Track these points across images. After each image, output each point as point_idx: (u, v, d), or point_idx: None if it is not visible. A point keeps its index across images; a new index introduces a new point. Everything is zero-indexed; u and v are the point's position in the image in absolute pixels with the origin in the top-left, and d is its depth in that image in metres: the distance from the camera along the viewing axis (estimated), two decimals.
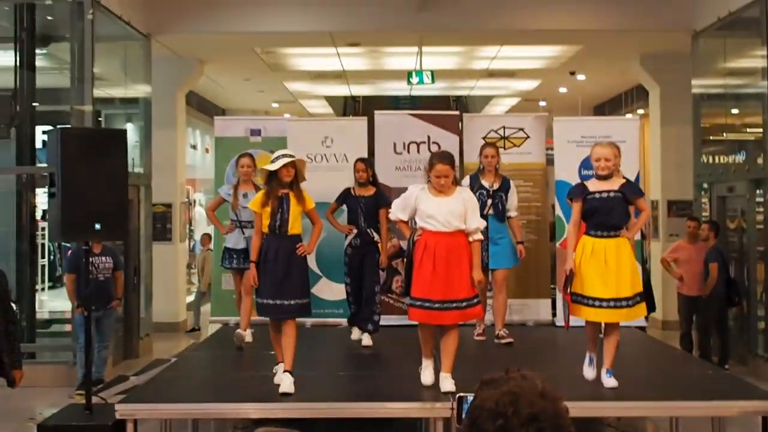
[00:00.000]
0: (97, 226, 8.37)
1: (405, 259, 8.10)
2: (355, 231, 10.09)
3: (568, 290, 7.74)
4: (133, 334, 14.37)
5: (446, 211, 7.59)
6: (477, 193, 9.34)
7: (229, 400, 7.63)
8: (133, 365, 13.19)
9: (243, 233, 10.16)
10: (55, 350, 13.45)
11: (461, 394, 2.84)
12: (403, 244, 8.94)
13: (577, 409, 7.01)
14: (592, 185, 7.88)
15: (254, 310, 8.48)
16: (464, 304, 7.53)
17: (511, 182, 10.20)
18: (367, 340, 9.91)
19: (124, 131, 9.18)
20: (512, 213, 10.11)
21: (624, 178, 7.95)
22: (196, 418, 8.42)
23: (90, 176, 8.42)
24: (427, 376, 7.78)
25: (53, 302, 18.91)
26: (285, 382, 7.73)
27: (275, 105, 24.94)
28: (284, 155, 8.12)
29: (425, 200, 7.66)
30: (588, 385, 7.74)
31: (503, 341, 9.78)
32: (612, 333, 7.79)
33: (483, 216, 8.53)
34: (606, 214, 7.72)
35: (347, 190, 10.29)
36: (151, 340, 14.94)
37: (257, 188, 9.59)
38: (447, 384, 7.52)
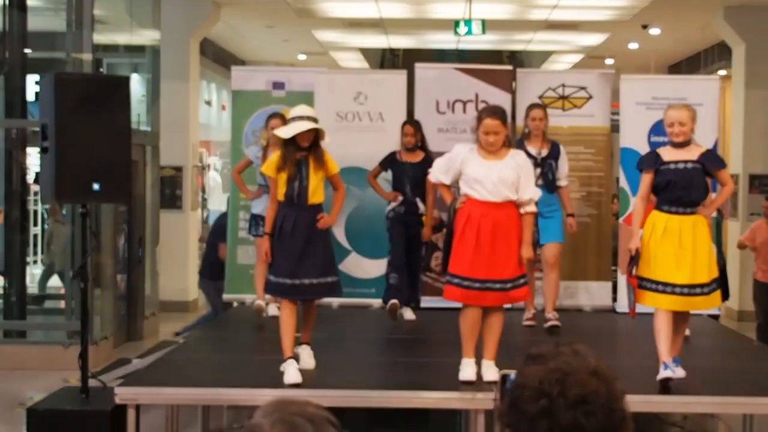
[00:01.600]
0: (96, 187, 8.45)
1: (445, 231, 8.04)
2: (400, 198, 10.35)
3: (633, 272, 7.68)
4: (137, 313, 14.51)
5: (496, 178, 7.51)
6: None
7: (243, 385, 7.75)
8: (136, 347, 13.37)
9: None
10: (47, 329, 13.62)
11: (505, 371, 2.87)
12: (444, 216, 9.02)
13: (638, 403, 7.03)
14: (667, 154, 7.77)
15: None
16: (509, 285, 7.54)
17: (561, 147, 10.18)
18: (410, 313, 10.45)
19: (127, 78, 9.32)
20: (563, 182, 10.11)
21: (703, 146, 7.92)
22: (206, 405, 8.55)
23: (88, 129, 8.48)
24: (467, 372, 7.63)
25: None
26: (303, 355, 7.93)
27: (302, 57, 24.91)
28: (300, 117, 7.95)
29: (473, 163, 7.60)
30: (650, 378, 7.75)
31: (548, 323, 9.74)
32: (683, 321, 7.84)
33: None
34: (683, 188, 7.62)
35: (393, 155, 10.50)
36: (157, 320, 15.08)
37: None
38: (490, 373, 7.49)
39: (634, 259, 7.68)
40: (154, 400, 7.77)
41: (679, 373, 7.62)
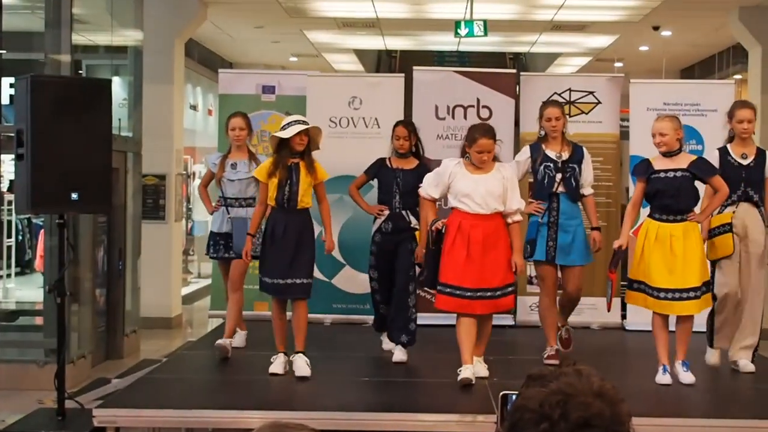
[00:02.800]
0: (74, 196, 8.48)
1: (426, 248, 8.58)
2: (386, 212, 9.66)
3: (613, 268, 8.74)
4: (117, 330, 14.41)
5: (484, 191, 8.33)
6: (542, 167, 9.21)
7: (228, 407, 7.76)
8: (116, 366, 13.30)
9: (228, 212, 9.78)
10: (21, 347, 13.57)
11: (506, 392, 2.88)
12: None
13: (652, 427, 7.28)
14: (658, 163, 8.60)
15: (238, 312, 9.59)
16: (498, 293, 8.34)
17: (585, 150, 9.50)
18: (400, 354, 9.32)
19: (109, 81, 9.32)
20: (587, 190, 9.44)
21: (693, 155, 8.82)
22: (188, 428, 8.54)
23: (66, 135, 8.53)
24: (466, 373, 8.18)
25: (21, 291, 19.08)
26: (299, 363, 8.48)
27: (293, 59, 24.95)
28: (297, 121, 8.62)
29: (461, 177, 8.44)
30: (664, 401, 7.88)
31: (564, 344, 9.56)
32: (684, 322, 8.50)
33: (552, 194, 9.08)
34: (672, 197, 8.45)
35: (382, 161, 9.85)
36: (138, 337, 15.03)
37: (252, 157, 9.75)
38: (480, 369, 8.42)
39: (618, 255, 8.70)
40: (134, 422, 7.75)
41: (687, 378, 8.32)
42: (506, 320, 11.21)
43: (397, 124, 9.87)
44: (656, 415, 7.48)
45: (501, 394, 2.96)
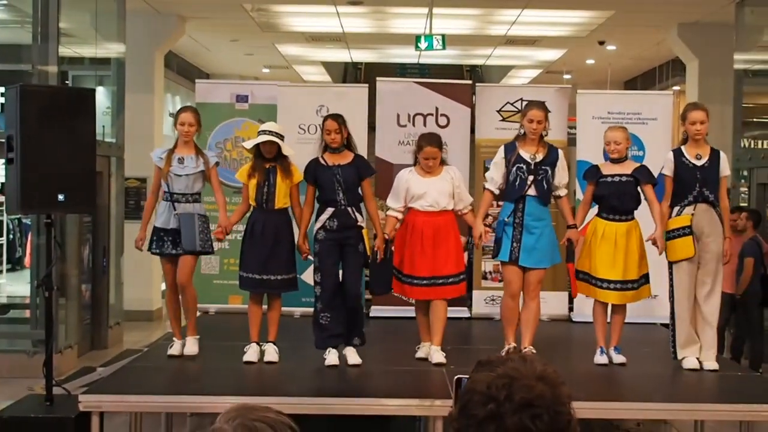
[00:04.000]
0: (61, 197, 8.47)
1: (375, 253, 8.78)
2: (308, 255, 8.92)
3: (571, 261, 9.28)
4: (102, 322, 14.47)
5: (435, 193, 8.77)
6: (514, 168, 8.64)
7: (205, 393, 7.74)
8: (100, 356, 13.35)
9: (174, 208, 8.85)
10: (12, 338, 13.54)
11: (460, 376, 2.92)
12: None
13: (593, 410, 7.29)
14: (606, 168, 8.91)
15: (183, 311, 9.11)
16: (450, 280, 8.71)
17: (560, 152, 8.96)
18: (353, 356, 8.63)
19: (93, 91, 9.28)
20: (562, 191, 8.92)
21: (637, 162, 9.09)
22: (169, 412, 8.55)
23: (53, 141, 8.50)
24: (423, 352, 8.80)
25: (11, 286, 19.04)
26: (269, 350, 8.66)
27: (266, 70, 24.94)
28: (265, 131, 8.73)
29: (414, 182, 8.82)
30: (605, 385, 8.01)
31: None
32: (618, 313, 8.89)
33: (521, 197, 8.65)
34: (617, 199, 8.75)
35: (315, 162, 8.82)
36: (121, 329, 15.03)
37: (199, 152, 8.99)
38: (436, 356, 8.58)
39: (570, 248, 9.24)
40: (118, 407, 7.73)
41: (619, 359, 8.72)
42: (462, 313, 11.24)
43: (326, 118, 8.94)
44: (598, 399, 7.51)
45: (455, 378, 3.01)
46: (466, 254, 9.62)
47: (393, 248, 8.77)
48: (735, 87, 15.10)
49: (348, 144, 8.85)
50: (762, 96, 16.24)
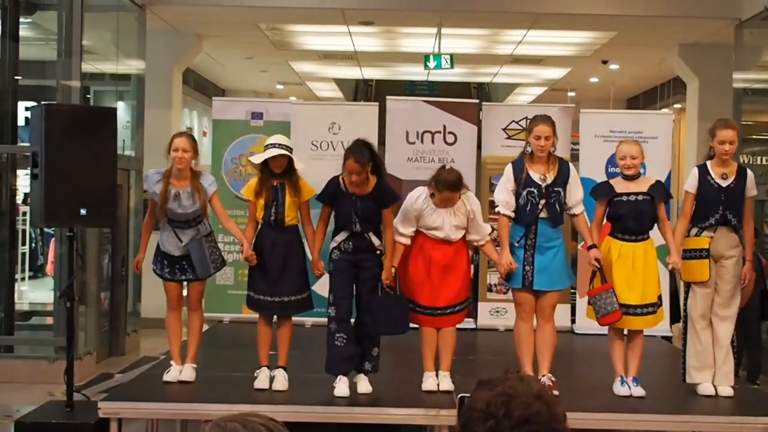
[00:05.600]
0: (83, 212, 8.53)
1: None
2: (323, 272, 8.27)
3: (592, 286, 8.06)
4: (120, 329, 14.50)
5: (450, 227, 7.99)
6: (525, 192, 7.95)
7: (220, 401, 7.78)
8: (118, 363, 13.40)
9: (179, 238, 8.38)
10: (34, 344, 13.61)
11: (463, 394, 2.97)
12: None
13: (591, 420, 7.38)
14: (619, 185, 8.11)
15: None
16: (448, 310, 8.07)
17: (572, 168, 8.24)
18: (364, 384, 8.02)
19: (114, 110, 9.35)
20: (577, 209, 8.14)
21: (652, 177, 8.28)
22: (184, 419, 8.59)
23: (76, 157, 8.55)
24: (429, 384, 8.12)
25: (34, 293, 19.10)
26: (278, 377, 8.09)
27: (280, 87, 24.99)
28: (273, 145, 8.08)
29: (430, 212, 8.00)
30: (604, 396, 8.01)
31: None
32: (636, 338, 8.14)
33: (532, 221, 7.98)
34: (634, 219, 8.01)
35: (335, 185, 8.08)
36: (138, 336, 15.07)
37: (196, 186, 8.31)
38: (445, 383, 8.02)
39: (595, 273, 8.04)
40: (135, 414, 7.83)
41: (638, 392, 8.00)
42: (468, 324, 11.26)
43: (347, 155, 7.95)
44: (596, 411, 7.61)
45: (458, 396, 3.06)
46: (472, 267, 9.36)
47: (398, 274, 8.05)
48: (734, 105, 15.03)
49: (374, 170, 7.98)
50: (761, 114, 16.21)
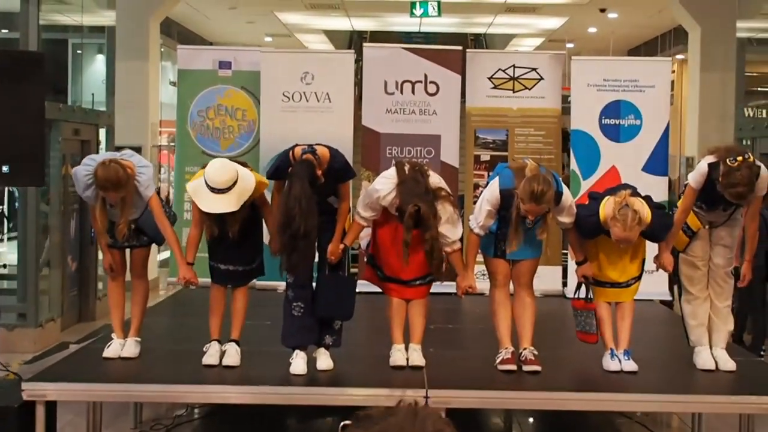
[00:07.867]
0: (5, 169, 7.64)
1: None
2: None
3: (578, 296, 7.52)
4: (90, 294, 13.71)
5: None
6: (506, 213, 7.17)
7: (162, 381, 6.95)
8: (86, 329, 12.54)
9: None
10: None
11: (345, 423, 2.25)
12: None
13: (584, 401, 6.96)
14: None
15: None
16: (428, 278, 7.26)
17: (565, 195, 7.23)
18: (324, 360, 7.19)
19: (42, 55, 8.51)
20: (568, 225, 7.40)
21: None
22: (124, 402, 7.71)
23: None
24: (397, 357, 7.25)
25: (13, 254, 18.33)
26: (230, 351, 7.23)
27: (268, 39, 24.65)
28: (216, 189, 6.92)
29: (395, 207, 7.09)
30: (597, 373, 7.24)
31: (529, 368, 7.15)
32: (626, 306, 7.42)
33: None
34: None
35: (286, 158, 7.10)
36: None
37: (132, 199, 7.27)
38: (415, 357, 7.21)
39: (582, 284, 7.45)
40: (64, 396, 6.91)
41: (629, 366, 7.20)
42: (451, 288, 10.38)
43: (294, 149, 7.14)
44: (589, 390, 7.03)
45: (341, 425, 2.37)
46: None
47: (366, 259, 7.47)
48: (737, 55, 14.78)
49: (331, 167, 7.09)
50: (765, 64, 15.54)
